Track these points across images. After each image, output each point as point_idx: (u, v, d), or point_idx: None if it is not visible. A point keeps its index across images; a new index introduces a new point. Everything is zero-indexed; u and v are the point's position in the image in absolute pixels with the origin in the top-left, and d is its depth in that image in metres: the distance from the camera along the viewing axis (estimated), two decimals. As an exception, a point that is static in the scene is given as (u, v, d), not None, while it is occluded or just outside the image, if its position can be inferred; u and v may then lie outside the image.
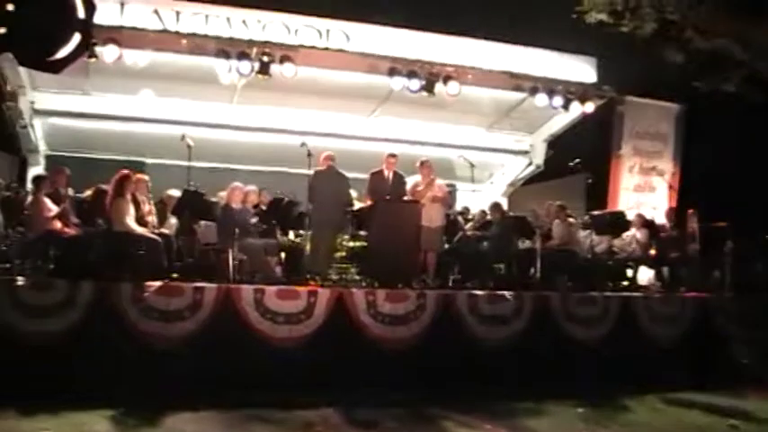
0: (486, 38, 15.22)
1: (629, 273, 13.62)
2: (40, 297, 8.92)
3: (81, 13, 4.23)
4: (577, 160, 14.34)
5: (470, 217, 14.29)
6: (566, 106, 15.25)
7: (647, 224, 13.72)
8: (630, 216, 13.89)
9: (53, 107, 15.03)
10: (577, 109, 15.44)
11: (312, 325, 9.64)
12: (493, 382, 9.67)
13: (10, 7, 3.88)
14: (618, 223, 13.33)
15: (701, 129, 17.57)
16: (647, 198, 17.12)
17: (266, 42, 13.47)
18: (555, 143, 17.61)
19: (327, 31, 14.09)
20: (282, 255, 12.04)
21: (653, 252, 13.47)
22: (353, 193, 12.37)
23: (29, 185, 12.67)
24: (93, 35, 4.45)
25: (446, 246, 12.46)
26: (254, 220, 11.55)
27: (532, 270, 12.16)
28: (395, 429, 8.02)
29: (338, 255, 12.09)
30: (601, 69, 15.96)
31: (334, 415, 8.51)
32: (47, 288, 9.04)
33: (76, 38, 4.25)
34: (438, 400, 9.05)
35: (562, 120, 16.79)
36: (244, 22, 13.64)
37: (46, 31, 4.15)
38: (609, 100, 16.19)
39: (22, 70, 13.42)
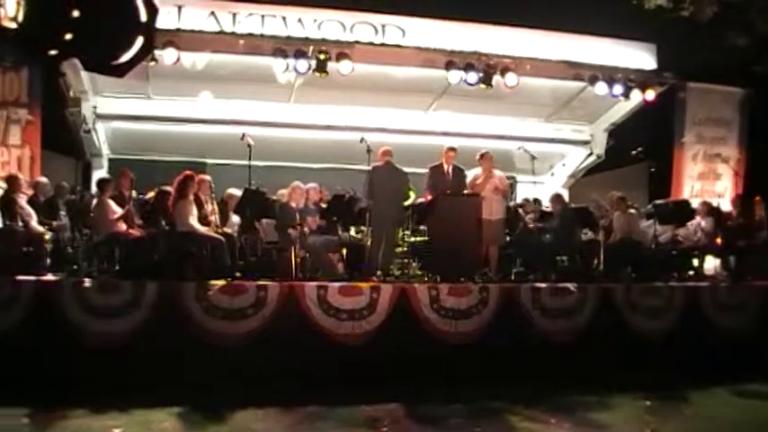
0: (543, 28, 15.08)
1: (695, 262, 13.39)
2: (107, 298, 9.12)
3: (143, 17, 4.28)
4: (639, 149, 14.12)
5: (529, 209, 14.16)
6: (626, 94, 15.00)
7: (713, 212, 13.44)
8: (695, 204, 13.65)
9: (115, 111, 15.24)
10: (638, 97, 15.19)
11: (375, 321, 9.68)
12: (557, 375, 9.58)
13: (75, 13, 3.93)
14: (682, 212, 13.09)
15: (766, 113, 17.14)
16: (712, 186, 16.79)
17: (322, 40, 13.55)
18: (616, 132, 17.33)
19: (383, 26, 14.11)
20: (344, 251, 12.05)
21: (719, 241, 13.20)
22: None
23: (93, 188, 12.90)
24: (155, 38, 4.49)
25: (507, 238, 12.37)
26: (312, 217, 11.59)
27: (595, 261, 12.04)
28: (460, 424, 7.98)
29: (399, 250, 12.10)
30: (661, 56, 15.70)
31: (399, 410, 8.53)
32: (113, 289, 9.23)
33: (139, 41, 4.30)
34: (502, 394, 9.00)
35: (622, 108, 16.51)
36: (299, 20, 13.73)
37: (110, 36, 4.21)
38: (670, 87, 15.88)
39: (85, 76, 13.68)
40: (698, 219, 13.25)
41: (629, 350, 10.35)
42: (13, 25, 3.96)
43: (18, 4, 3.93)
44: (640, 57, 15.58)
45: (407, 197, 11.99)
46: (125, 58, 4.26)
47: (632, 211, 12.67)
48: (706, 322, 11.07)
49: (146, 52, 4.38)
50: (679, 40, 15.22)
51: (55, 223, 11.29)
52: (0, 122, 13.23)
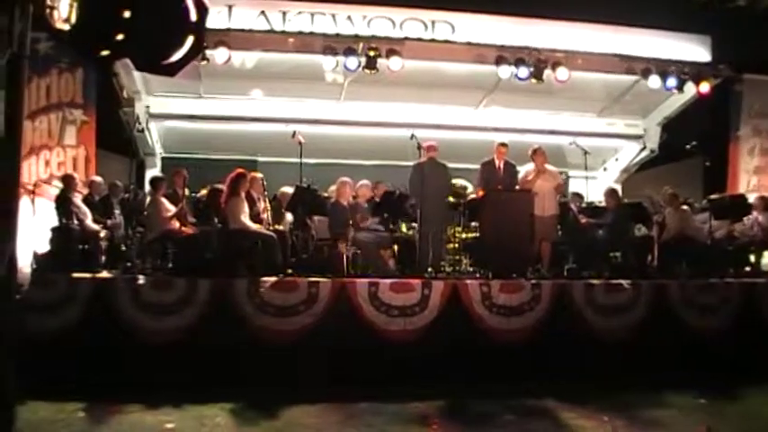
0: (594, 21, 14.90)
1: (752, 258, 13.14)
2: (161, 295, 9.26)
3: (193, 17, 4.31)
4: (694, 143, 13.89)
5: (576, 204, 14.00)
6: (680, 87, 14.73)
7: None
8: (751, 199, 13.40)
9: (167, 111, 15.45)
10: (692, 90, 14.95)
11: (427, 317, 9.65)
12: (610, 373, 9.48)
13: (126, 14, 3.98)
14: (738, 207, 12.88)
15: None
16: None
17: (372, 37, 13.52)
18: (669, 126, 17.05)
19: (432, 22, 14.07)
20: (396, 247, 12.04)
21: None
22: (468, 185, 12.41)
23: (147, 187, 13.08)
24: (205, 37, 4.53)
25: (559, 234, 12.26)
26: (361, 214, 11.60)
27: (649, 258, 11.88)
28: (511, 422, 7.95)
29: (451, 246, 12.07)
30: (715, 48, 15.43)
31: (450, 407, 8.53)
32: (166, 286, 9.36)
33: (190, 41, 4.34)
34: (554, 391, 8.94)
35: (676, 102, 16.25)
36: (349, 18, 13.74)
37: (160, 36, 4.25)
38: (725, 79, 15.58)
39: (137, 76, 13.87)
40: (755, 214, 13.00)
41: (683, 347, 10.18)
42: (67, 27, 4.02)
43: (71, 6, 3.98)
44: (694, 49, 15.32)
45: (461, 193, 11.95)
46: (176, 57, 4.30)
47: (685, 207, 12.46)
48: (763, 319, 10.84)
49: (196, 51, 4.42)
50: (734, 32, 14.92)
51: (109, 222, 11.49)
52: (56, 123, 13.48)
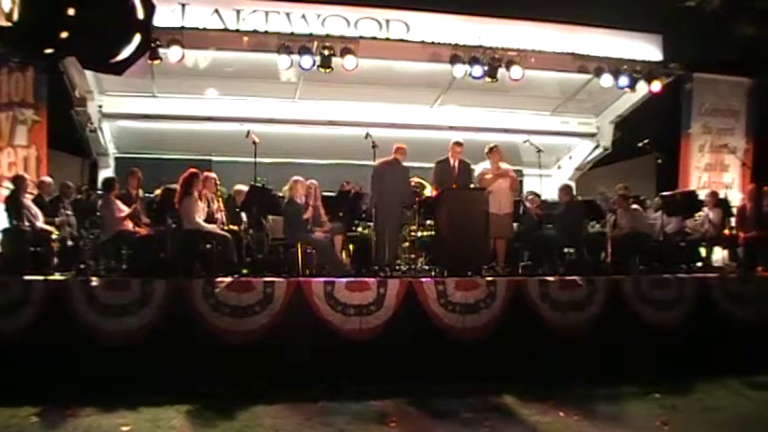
0: (547, 20, 15.02)
1: (703, 253, 13.32)
2: (115, 297, 9.14)
3: (140, 14, 4.26)
4: (646, 141, 14.02)
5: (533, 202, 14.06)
6: (632, 86, 14.93)
7: (721, 203, 13.36)
8: (702, 196, 13.59)
9: (120, 110, 15.31)
10: (644, 88, 15.14)
11: (383, 316, 9.64)
12: (567, 369, 9.54)
13: (71, 11, 3.91)
14: (689, 203, 13.05)
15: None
16: (719, 177, 16.69)
17: (327, 36, 13.52)
18: (622, 124, 17.26)
19: (387, 21, 14.09)
20: (351, 247, 12.01)
21: (726, 232, 13.11)
22: (425, 183, 12.43)
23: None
24: (153, 35, 4.49)
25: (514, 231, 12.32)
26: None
27: (603, 254, 11.99)
28: (469, 419, 7.97)
29: (406, 245, 12.09)
30: (667, 46, 15.63)
31: (408, 406, 8.52)
32: (121, 287, 9.25)
33: (137, 39, 4.29)
34: (512, 388, 8.99)
35: (629, 100, 16.45)
36: (303, 17, 13.72)
37: (107, 34, 4.20)
38: (676, 78, 15.82)
39: (89, 75, 13.71)
40: (706, 210, 13.18)
41: (638, 342, 10.27)
42: (8, 24, 3.94)
43: (13, 2, 3.91)
44: (646, 48, 15.52)
45: (419, 193, 11.97)
46: (123, 55, 4.24)
47: (635, 206, 12.55)
48: (716, 313, 10.97)
49: (144, 49, 4.36)
50: (685, 31, 15.09)
51: (57, 220, 11.28)
52: (6, 123, 13.27)
